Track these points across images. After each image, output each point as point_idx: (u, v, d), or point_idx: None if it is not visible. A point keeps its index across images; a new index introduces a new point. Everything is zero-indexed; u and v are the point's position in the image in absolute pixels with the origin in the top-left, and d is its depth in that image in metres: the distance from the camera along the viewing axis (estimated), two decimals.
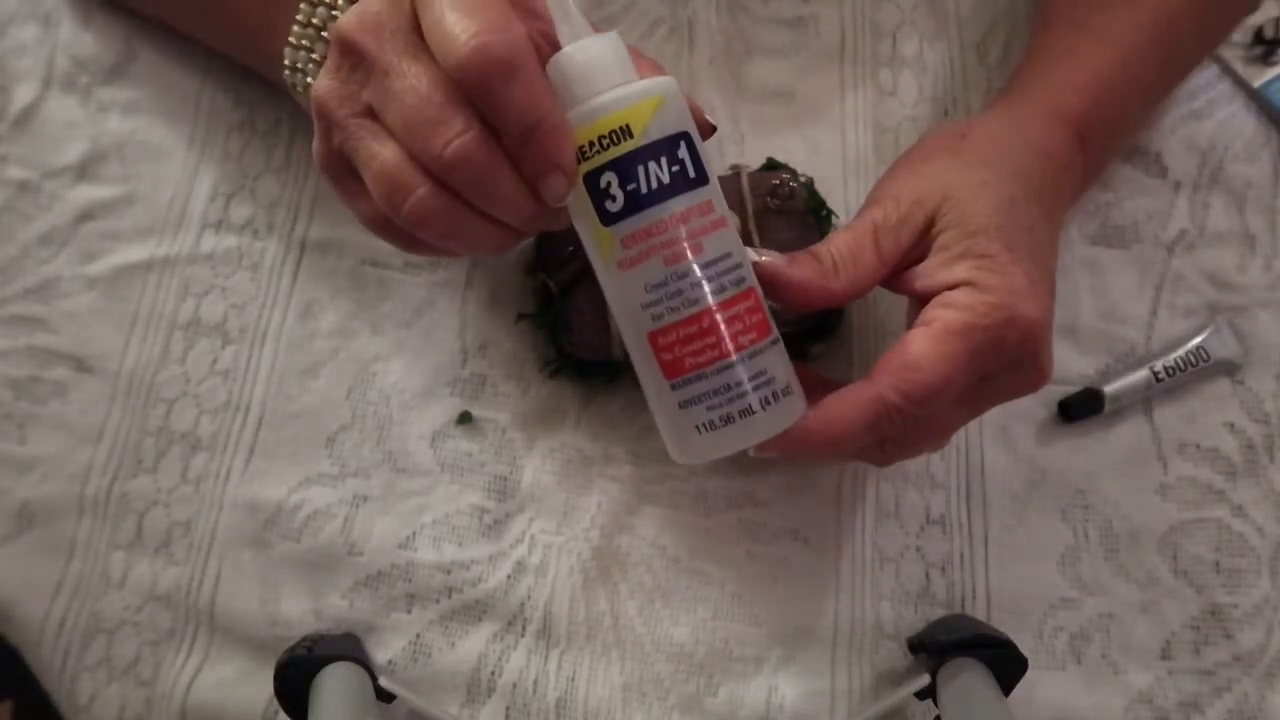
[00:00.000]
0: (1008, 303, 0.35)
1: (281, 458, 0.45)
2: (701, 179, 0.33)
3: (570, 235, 0.45)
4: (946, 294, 0.36)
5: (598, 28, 0.33)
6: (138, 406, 0.46)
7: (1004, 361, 0.35)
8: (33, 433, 0.46)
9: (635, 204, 0.32)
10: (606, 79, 0.32)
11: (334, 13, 0.40)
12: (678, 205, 0.33)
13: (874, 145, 0.50)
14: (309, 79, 0.41)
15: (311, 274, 0.48)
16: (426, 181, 0.32)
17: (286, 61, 0.41)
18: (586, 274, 0.44)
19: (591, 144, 0.32)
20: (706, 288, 0.33)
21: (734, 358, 0.33)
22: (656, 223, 0.32)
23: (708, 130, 0.36)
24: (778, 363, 0.35)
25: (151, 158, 0.50)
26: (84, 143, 0.50)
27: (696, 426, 0.34)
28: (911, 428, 0.36)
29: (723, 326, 0.33)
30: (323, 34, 0.40)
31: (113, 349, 0.47)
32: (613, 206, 0.32)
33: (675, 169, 0.33)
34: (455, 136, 0.30)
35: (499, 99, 0.30)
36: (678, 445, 0.35)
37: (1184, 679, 0.42)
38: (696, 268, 0.33)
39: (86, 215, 0.49)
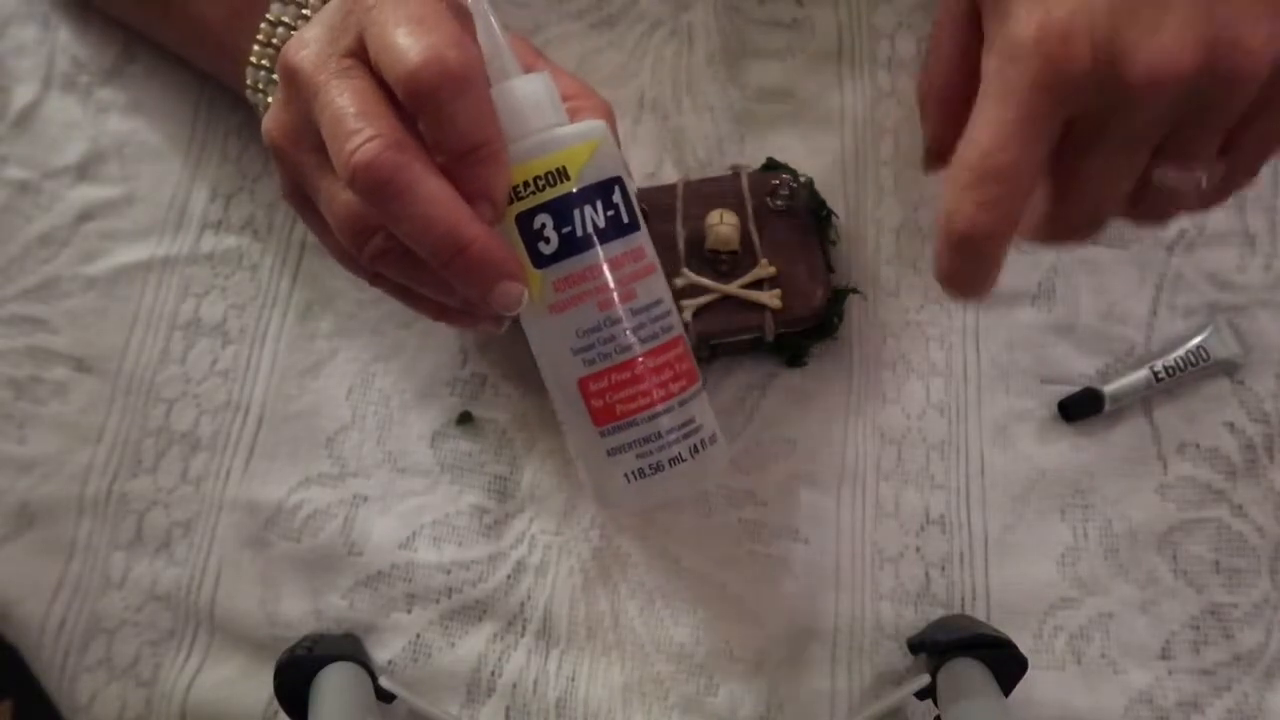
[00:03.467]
0: (1043, 22, 0.26)
1: (281, 458, 0.45)
2: (634, 224, 0.33)
3: None
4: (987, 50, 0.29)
5: (529, 67, 0.32)
6: (138, 406, 0.46)
7: (1102, 87, 0.27)
8: (33, 433, 0.46)
9: (570, 247, 0.32)
10: (540, 119, 0.32)
11: (294, 32, 0.38)
12: (612, 250, 0.32)
13: (873, 145, 0.50)
14: (269, 99, 0.39)
15: (311, 274, 0.48)
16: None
17: (248, 81, 0.40)
18: None
19: (526, 184, 0.31)
20: (639, 334, 0.33)
21: (664, 405, 0.33)
22: (590, 267, 0.32)
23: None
24: (705, 410, 0.35)
25: (151, 158, 0.50)
26: (84, 143, 0.50)
27: (625, 475, 0.34)
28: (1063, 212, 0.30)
29: (654, 374, 0.33)
30: None
31: (113, 349, 0.47)
32: (546, 249, 0.32)
33: (610, 214, 0.32)
34: (362, 142, 0.29)
35: (446, 112, 0.29)
36: (604, 493, 0.35)
37: (1184, 679, 0.42)
38: (629, 314, 0.33)
39: (86, 215, 0.49)
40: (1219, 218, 0.48)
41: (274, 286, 0.48)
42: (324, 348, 0.47)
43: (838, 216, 0.47)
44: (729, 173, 0.47)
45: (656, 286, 0.34)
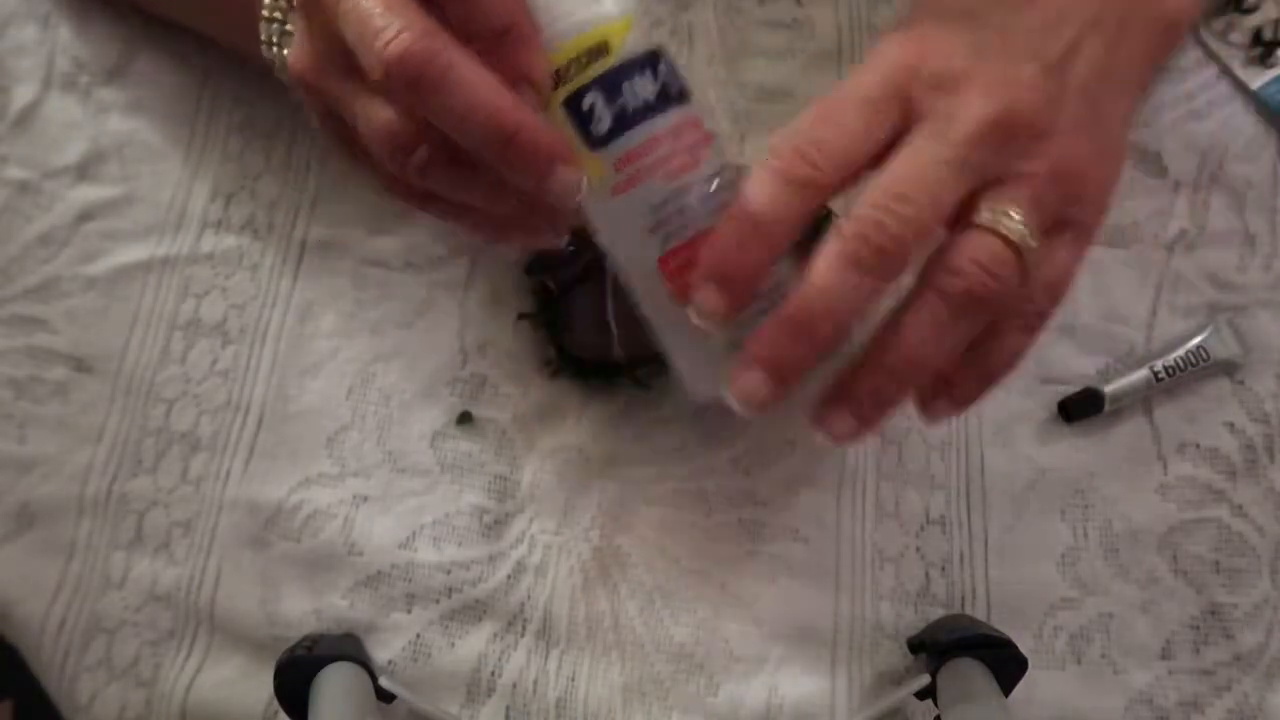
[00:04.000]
0: (902, 44, 0.31)
1: (281, 458, 0.45)
2: (684, 95, 0.31)
3: (570, 235, 0.45)
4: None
5: None
6: (138, 406, 0.46)
7: (933, 92, 0.30)
8: (33, 433, 0.46)
9: (625, 121, 0.30)
10: (572, 1, 0.30)
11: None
12: (667, 120, 0.30)
13: None
14: (285, 52, 0.37)
15: (311, 274, 0.48)
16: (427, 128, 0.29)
17: (263, 37, 0.38)
18: (586, 274, 0.44)
19: (569, 66, 0.29)
20: (710, 204, 0.31)
21: None
22: (649, 140, 0.30)
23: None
24: (787, 273, 0.33)
25: (151, 158, 0.50)
26: (84, 143, 0.50)
27: (721, 349, 0.32)
28: (879, 194, 0.30)
29: None
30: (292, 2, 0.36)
31: (113, 349, 0.47)
32: (600, 128, 0.30)
33: (659, 84, 0.30)
34: (393, 36, 0.28)
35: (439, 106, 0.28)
36: (700, 377, 0.33)
37: (1184, 679, 0.42)
38: (698, 183, 0.31)
39: (86, 215, 0.49)
40: (1219, 218, 0.48)
41: (274, 286, 0.48)
42: (324, 348, 0.47)
43: (838, 216, 0.47)
44: None
45: (717, 156, 0.32)
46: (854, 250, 0.30)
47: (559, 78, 0.30)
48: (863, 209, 0.30)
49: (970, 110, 0.30)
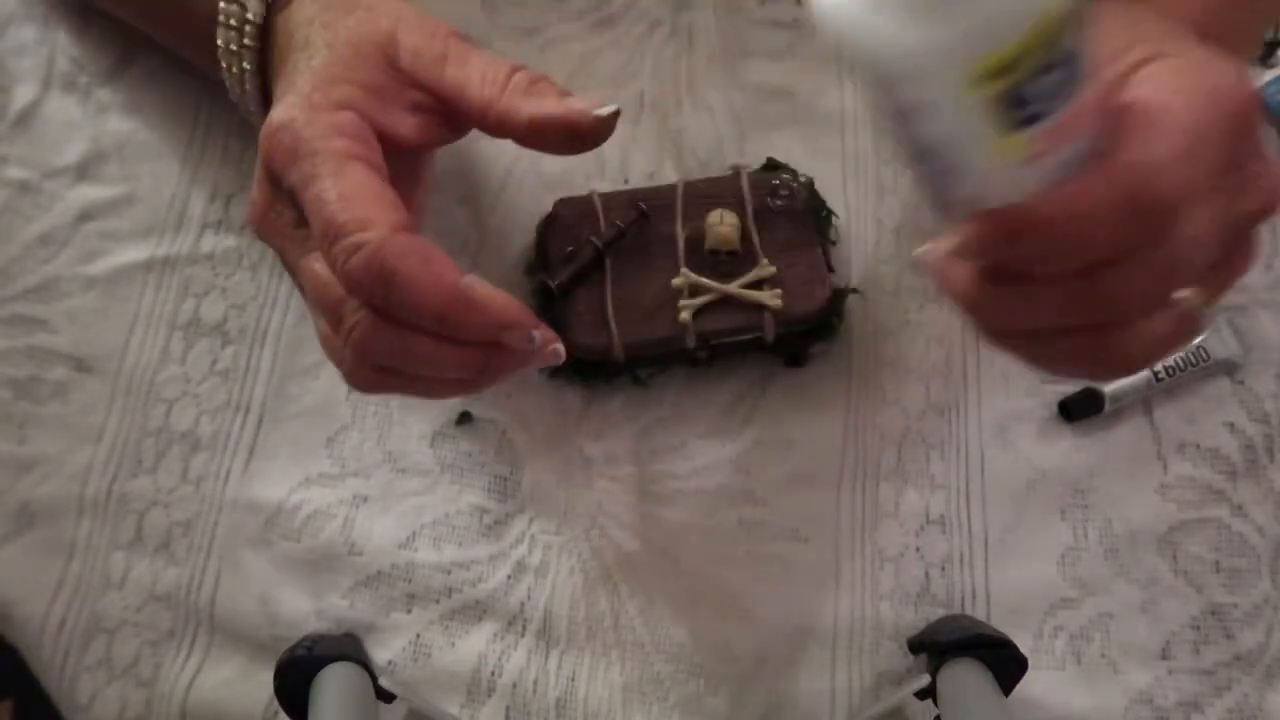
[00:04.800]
0: (1242, 88, 0.28)
1: (281, 458, 0.45)
2: (1086, 60, 0.32)
3: (570, 235, 0.45)
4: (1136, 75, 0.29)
5: None
6: (138, 406, 0.46)
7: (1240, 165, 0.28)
8: (33, 433, 0.46)
9: (1052, 104, 0.28)
10: None
11: (247, 14, 0.38)
12: (1081, 90, 0.28)
13: (874, 145, 0.50)
14: (244, 82, 0.39)
15: None
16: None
17: (224, 68, 0.40)
18: (586, 274, 0.44)
19: (1018, 58, 0.27)
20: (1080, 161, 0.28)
21: None
22: (1067, 115, 0.28)
23: (606, 125, 0.35)
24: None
25: (151, 158, 0.50)
26: (84, 143, 0.50)
27: None
28: (1167, 220, 0.27)
29: None
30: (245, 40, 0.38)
31: (113, 349, 0.47)
32: (1027, 111, 0.28)
33: (1081, 61, 0.30)
34: (352, 248, 0.30)
35: (397, 302, 0.30)
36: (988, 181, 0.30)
37: (1184, 679, 0.42)
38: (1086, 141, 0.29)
39: (86, 215, 0.49)
40: None
41: (274, 286, 0.48)
42: None
43: (838, 216, 0.47)
44: (729, 173, 0.47)
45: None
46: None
47: (993, 75, 0.27)
48: None
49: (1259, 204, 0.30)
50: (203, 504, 0.45)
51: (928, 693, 0.39)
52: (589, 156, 0.49)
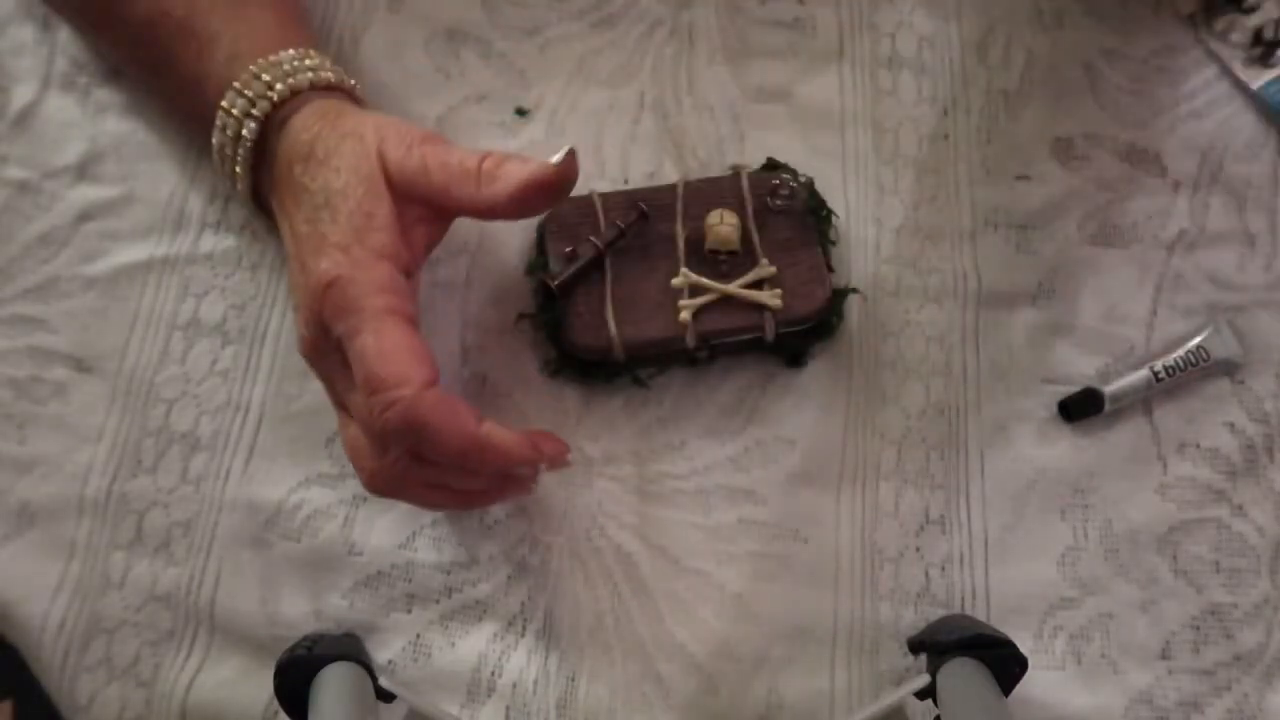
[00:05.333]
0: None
1: (281, 458, 0.45)
2: None
3: (570, 235, 0.45)
4: None
5: None
6: (138, 406, 0.46)
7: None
8: (33, 433, 0.46)
9: None
10: None
11: (243, 131, 0.42)
12: None
13: (874, 145, 0.50)
14: (239, 174, 0.44)
15: None
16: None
17: (215, 148, 0.44)
18: (586, 274, 0.44)
19: None
20: None
21: None
22: None
23: (569, 167, 0.39)
24: None
25: (150, 158, 0.50)
26: (83, 143, 0.50)
27: None
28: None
29: None
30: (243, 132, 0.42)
31: (113, 349, 0.47)
32: None
33: None
34: (388, 403, 0.35)
35: (423, 448, 0.37)
36: None
37: (1184, 679, 0.42)
38: None
39: (86, 215, 0.49)
40: (1218, 218, 0.48)
41: (274, 286, 0.48)
42: None
43: (838, 216, 0.47)
44: (729, 173, 0.47)
45: None
46: None
47: None
48: None
49: None
50: (203, 504, 0.45)
51: (928, 693, 0.39)
52: (589, 156, 0.50)
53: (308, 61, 0.43)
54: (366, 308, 0.36)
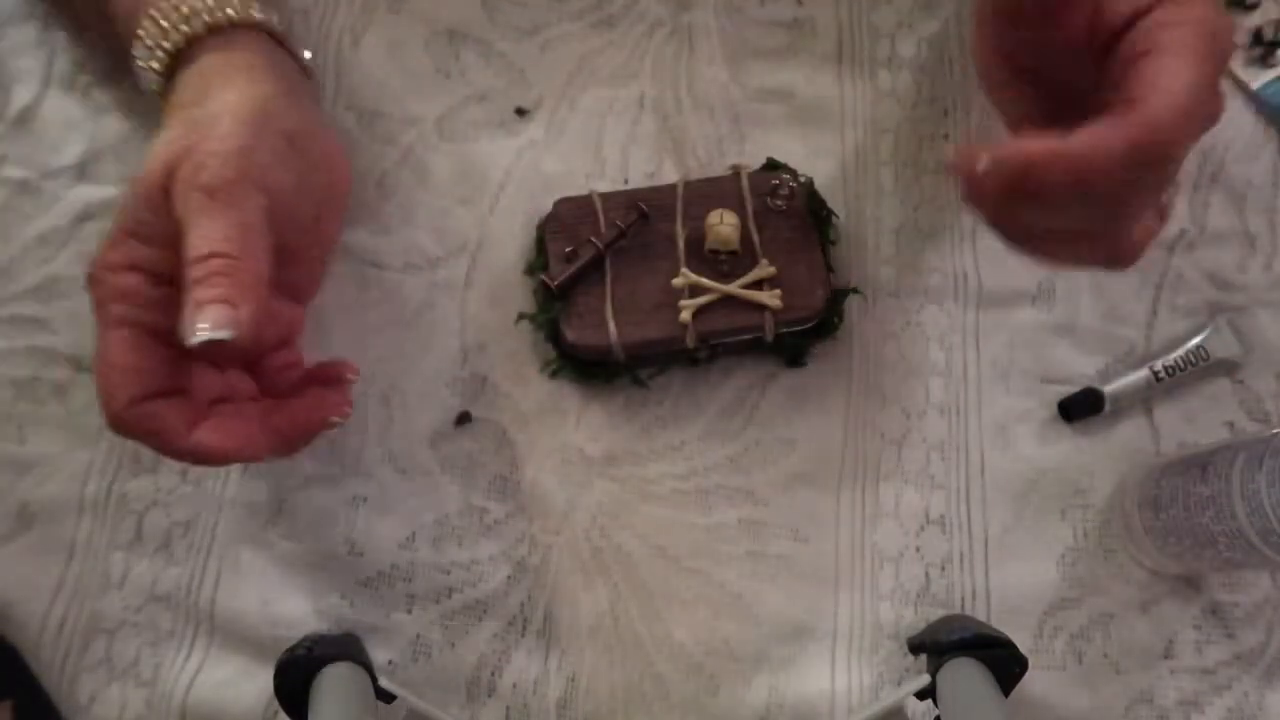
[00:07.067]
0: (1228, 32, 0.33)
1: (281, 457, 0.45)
2: None
3: (570, 235, 0.45)
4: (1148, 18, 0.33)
5: None
6: None
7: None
8: (33, 433, 0.46)
9: None
10: None
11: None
12: None
13: (873, 145, 0.50)
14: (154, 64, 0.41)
15: None
16: None
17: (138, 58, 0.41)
18: (586, 274, 0.44)
19: None
20: None
21: None
22: None
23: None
24: None
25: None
26: (83, 143, 0.50)
27: None
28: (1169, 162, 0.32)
29: None
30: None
31: None
32: None
33: None
34: (105, 402, 0.37)
35: None
36: None
37: (1184, 678, 0.42)
38: None
39: (86, 215, 0.49)
40: (1219, 218, 0.48)
41: None
42: (324, 348, 0.47)
43: (838, 216, 0.47)
44: (729, 173, 0.47)
45: None
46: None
47: None
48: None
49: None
50: (203, 504, 0.45)
51: (928, 693, 0.39)
52: (589, 156, 0.49)
53: None
54: (101, 316, 0.37)
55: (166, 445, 0.36)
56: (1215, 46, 0.32)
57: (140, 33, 0.41)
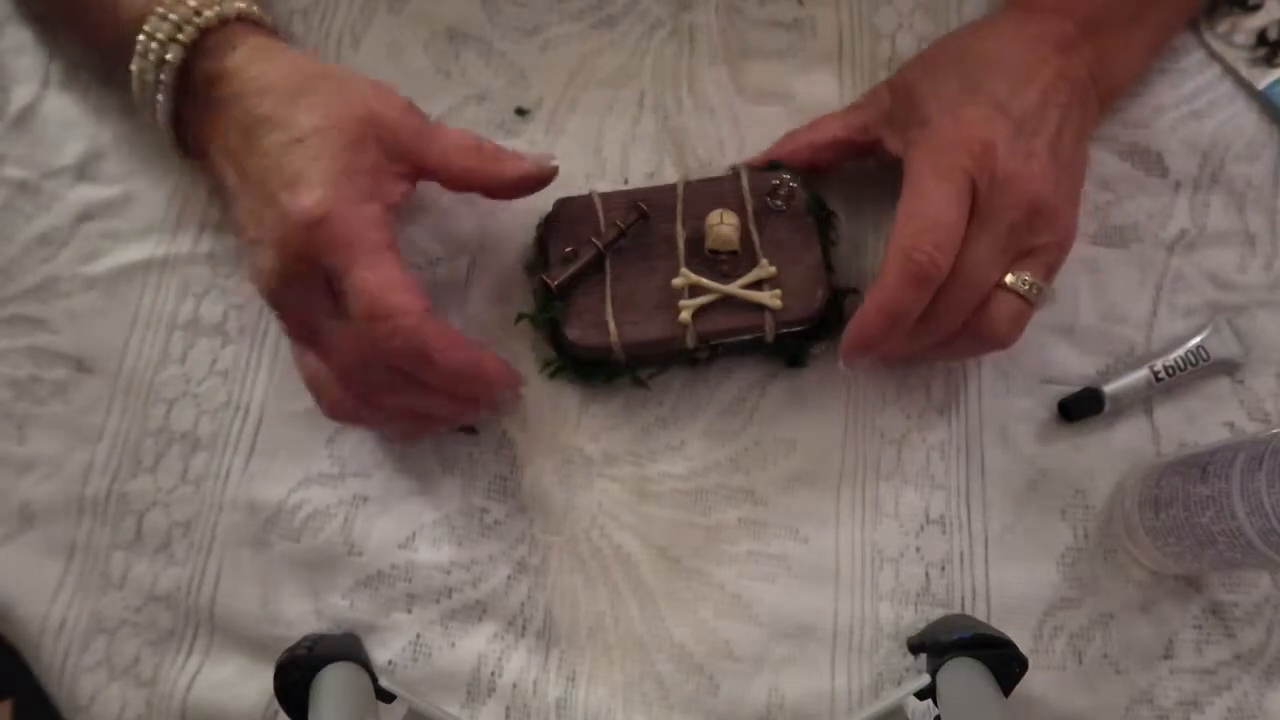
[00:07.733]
0: (967, 132, 0.39)
1: (281, 458, 0.45)
2: None
3: (570, 235, 0.45)
4: (909, 147, 0.41)
5: None
6: (138, 406, 0.46)
7: (994, 187, 0.39)
8: (33, 433, 0.46)
9: None
10: None
11: (166, 55, 0.41)
12: None
13: None
14: (160, 99, 0.43)
15: None
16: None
17: (135, 72, 0.42)
18: (586, 274, 0.44)
19: None
20: None
21: None
22: None
23: (555, 172, 0.43)
24: None
25: (150, 158, 0.50)
26: (82, 142, 0.50)
27: None
28: (951, 280, 0.39)
29: None
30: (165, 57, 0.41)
31: (113, 349, 0.47)
32: None
33: None
34: (390, 330, 0.37)
35: (423, 372, 0.39)
36: None
37: (1184, 678, 0.42)
38: None
39: (86, 215, 0.49)
40: (1219, 218, 0.48)
41: None
42: None
43: (838, 216, 0.47)
44: (729, 173, 0.47)
45: None
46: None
47: None
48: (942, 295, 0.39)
49: (1016, 208, 0.39)
50: (203, 504, 0.45)
51: (928, 693, 0.39)
52: (589, 156, 0.50)
53: None
54: (363, 243, 0.37)
55: (455, 353, 0.38)
56: (945, 162, 0.39)
57: (147, 28, 0.41)
